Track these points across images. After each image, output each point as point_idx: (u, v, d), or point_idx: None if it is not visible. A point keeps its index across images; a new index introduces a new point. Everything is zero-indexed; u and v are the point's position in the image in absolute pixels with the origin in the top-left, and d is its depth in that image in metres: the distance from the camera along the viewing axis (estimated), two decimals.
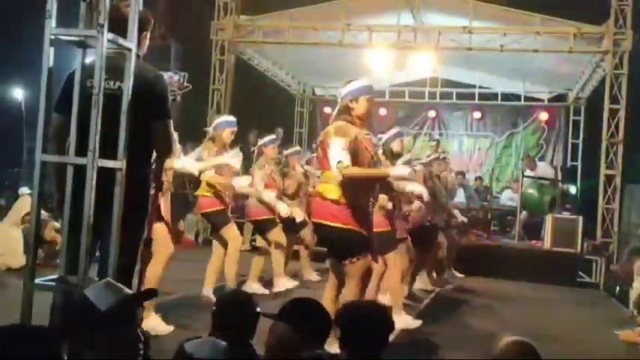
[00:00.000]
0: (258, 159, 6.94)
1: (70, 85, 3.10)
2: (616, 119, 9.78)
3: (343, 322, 2.68)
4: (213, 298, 5.28)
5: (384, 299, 5.76)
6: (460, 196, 11.66)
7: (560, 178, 12.24)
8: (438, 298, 7.65)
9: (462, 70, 13.21)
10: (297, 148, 8.38)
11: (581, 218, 9.90)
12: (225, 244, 6.11)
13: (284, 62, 13.33)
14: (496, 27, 10.34)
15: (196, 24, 12.33)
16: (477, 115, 14.00)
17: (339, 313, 2.79)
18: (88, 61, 3.10)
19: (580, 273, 9.74)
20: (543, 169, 12.44)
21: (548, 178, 11.76)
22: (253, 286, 6.67)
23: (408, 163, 6.59)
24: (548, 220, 9.95)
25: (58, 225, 6.86)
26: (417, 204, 6.37)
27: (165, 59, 12.70)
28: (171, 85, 3.75)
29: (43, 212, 4.14)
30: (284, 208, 6.71)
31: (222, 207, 5.97)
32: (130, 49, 3.06)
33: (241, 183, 6.10)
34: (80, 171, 2.92)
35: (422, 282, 7.81)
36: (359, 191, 4.09)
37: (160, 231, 4.57)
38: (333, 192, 4.07)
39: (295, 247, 7.87)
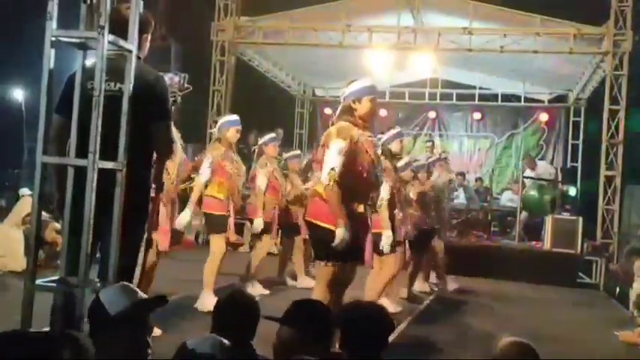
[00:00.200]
0: (258, 159, 6.92)
1: (70, 86, 3.10)
2: (616, 120, 9.79)
3: (343, 322, 2.69)
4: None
5: (382, 301, 5.76)
6: (460, 197, 11.68)
7: (560, 178, 12.24)
8: (438, 299, 7.66)
9: (462, 71, 13.22)
10: (297, 152, 8.37)
11: (581, 219, 9.91)
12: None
13: (284, 63, 13.34)
14: (496, 28, 10.36)
15: (196, 25, 12.35)
16: (477, 115, 14.01)
17: (339, 314, 2.80)
18: (88, 62, 3.10)
19: (580, 274, 9.75)
20: (544, 167, 12.47)
21: (548, 179, 11.77)
22: (255, 287, 6.68)
23: (408, 165, 6.63)
24: (548, 220, 9.95)
25: (58, 226, 6.87)
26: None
27: (165, 60, 12.74)
28: (172, 86, 3.75)
29: (43, 213, 4.14)
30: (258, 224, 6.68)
31: (224, 213, 5.93)
32: (130, 51, 3.06)
33: (181, 221, 5.66)
34: (81, 172, 2.93)
35: (420, 284, 7.82)
36: (353, 195, 4.06)
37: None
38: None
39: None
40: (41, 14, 2.95)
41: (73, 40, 3.05)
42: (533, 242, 10.61)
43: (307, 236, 5.94)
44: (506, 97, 13.83)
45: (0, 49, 13.51)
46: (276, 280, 7.62)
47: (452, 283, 8.25)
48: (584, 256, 9.78)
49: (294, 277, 7.71)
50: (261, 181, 6.74)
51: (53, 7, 2.91)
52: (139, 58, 3.19)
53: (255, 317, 2.68)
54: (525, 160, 12.56)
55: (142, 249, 3.37)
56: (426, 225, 7.05)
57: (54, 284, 3.02)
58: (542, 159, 13.40)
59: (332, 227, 3.95)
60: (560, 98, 13.82)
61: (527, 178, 11.44)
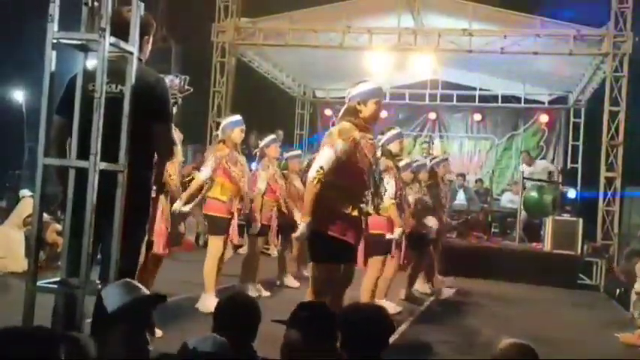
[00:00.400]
0: (261, 161, 6.93)
1: (71, 88, 3.11)
2: (616, 121, 9.80)
3: (343, 324, 2.70)
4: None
5: (382, 303, 5.77)
6: (460, 198, 11.69)
7: (560, 180, 12.26)
8: (438, 300, 7.66)
9: (463, 72, 13.23)
10: (298, 151, 8.38)
11: (581, 220, 9.91)
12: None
13: (284, 64, 13.35)
14: (496, 29, 10.37)
15: (197, 26, 12.34)
16: (478, 117, 14.03)
17: (339, 315, 2.81)
18: (89, 64, 3.11)
19: (580, 275, 9.75)
20: (543, 165, 12.49)
21: (548, 181, 11.78)
22: (255, 289, 6.69)
23: (408, 166, 6.64)
24: (549, 222, 9.96)
25: (59, 227, 6.87)
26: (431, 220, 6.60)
27: (165, 61, 12.74)
28: (172, 88, 3.76)
29: (44, 214, 4.15)
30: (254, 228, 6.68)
31: (226, 216, 5.93)
32: (131, 53, 3.07)
33: (176, 207, 5.38)
34: (82, 174, 2.93)
35: (420, 286, 7.82)
36: (348, 196, 4.05)
37: None
38: None
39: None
40: (41, 14, 2.96)
41: (75, 42, 3.06)
42: (534, 243, 10.61)
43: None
44: (507, 99, 13.85)
45: (0, 49, 13.50)
46: (276, 281, 7.63)
47: (446, 290, 8.05)
48: (584, 257, 9.78)
49: (294, 278, 7.73)
50: (261, 184, 6.74)
51: (55, 10, 2.92)
52: (140, 60, 3.20)
53: (255, 318, 2.70)
54: (522, 155, 12.65)
55: (143, 250, 3.38)
56: (425, 229, 7.05)
57: (55, 286, 3.02)
58: (542, 160, 13.44)
59: (323, 229, 3.95)
60: (561, 99, 13.84)
61: (528, 179, 11.45)
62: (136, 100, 3.05)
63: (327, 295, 3.96)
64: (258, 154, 7.01)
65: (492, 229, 11.91)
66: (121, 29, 3.03)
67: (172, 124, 3.42)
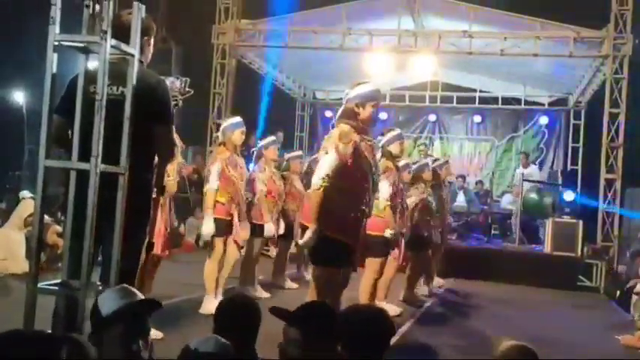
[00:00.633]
0: (257, 162, 6.90)
1: (72, 88, 3.11)
2: (616, 123, 9.80)
3: (343, 325, 2.70)
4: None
5: (382, 304, 5.77)
6: (460, 200, 11.70)
7: (560, 181, 12.27)
8: (439, 301, 7.66)
9: (463, 74, 13.24)
10: (299, 152, 8.38)
11: (581, 222, 9.91)
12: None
13: (285, 66, 13.36)
14: (496, 31, 10.38)
15: (197, 28, 12.35)
16: (478, 118, 14.04)
17: (340, 317, 2.81)
18: (90, 66, 3.11)
19: (580, 277, 9.74)
20: (534, 171, 12.51)
21: (548, 182, 11.79)
22: (256, 290, 6.69)
23: (406, 166, 6.64)
24: (549, 224, 9.96)
25: (59, 229, 6.88)
26: None
27: (166, 62, 12.72)
28: (173, 90, 3.76)
29: (45, 216, 4.15)
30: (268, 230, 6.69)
31: (225, 217, 5.91)
32: (132, 55, 3.07)
33: (208, 231, 5.76)
34: (83, 176, 2.94)
35: (420, 287, 7.82)
36: (349, 200, 4.05)
37: None
38: None
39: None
40: (41, 15, 2.95)
41: (76, 44, 3.06)
42: (534, 245, 10.61)
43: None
44: (507, 100, 13.85)
45: (0, 49, 13.50)
46: (274, 282, 7.62)
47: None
48: (584, 259, 9.78)
49: (293, 280, 7.74)
50: (260, 186, 6.73)
51: (56, 12, 2.92)
52: (141, 62, 3.21)
53: (256, 320, 2.70)
54: (521, 156, 12.67)
55: (144, 252, 3.38)
56: (424, 232, 7.05)
57: (56, 287, 3.02)
58: (542, 162, 13.46)
59: (327, 233, 3.97)
60: (561, 101, 13.84)
61: (528, 181, 11.45)
62: (137, 102, 3.06)
63: (328, 296, 3.97)
64: (255, 154, 6.99)
65: (492, 231, 11.92)
66: (122, 31, 3.03)
67: (173, 126, 3.42)
